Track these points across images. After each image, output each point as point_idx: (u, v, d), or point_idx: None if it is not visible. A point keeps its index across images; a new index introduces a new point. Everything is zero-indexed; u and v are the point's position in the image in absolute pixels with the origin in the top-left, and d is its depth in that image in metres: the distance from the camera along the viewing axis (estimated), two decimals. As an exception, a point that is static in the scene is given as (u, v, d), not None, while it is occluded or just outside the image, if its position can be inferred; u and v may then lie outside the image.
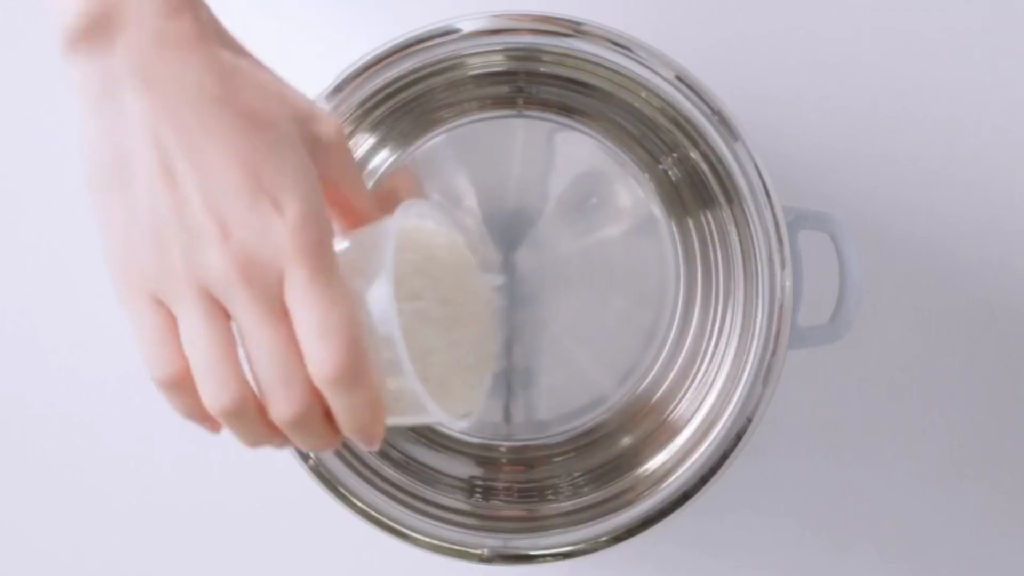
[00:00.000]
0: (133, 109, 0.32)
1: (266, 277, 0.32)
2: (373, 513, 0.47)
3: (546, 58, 0.50)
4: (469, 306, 0.40)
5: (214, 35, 0.34)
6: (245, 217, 0.32)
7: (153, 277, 0.32)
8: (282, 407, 0.33)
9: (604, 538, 0.48)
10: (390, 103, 0.51)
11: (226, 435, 0.34)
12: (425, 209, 0.39)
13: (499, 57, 0.50)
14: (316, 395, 0.33)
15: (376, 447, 0.35)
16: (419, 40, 0.48)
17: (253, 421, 0.33)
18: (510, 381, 0.54)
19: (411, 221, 0.39)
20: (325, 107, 0.47)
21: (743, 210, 0.48)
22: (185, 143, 0.32)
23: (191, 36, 0.33)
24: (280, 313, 0.32)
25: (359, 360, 0.33)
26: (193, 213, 0.32)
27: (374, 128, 0.52)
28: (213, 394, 0.32)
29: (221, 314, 0.32)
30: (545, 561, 0.48)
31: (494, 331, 0.42)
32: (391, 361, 0.34)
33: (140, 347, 0.33)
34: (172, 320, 0.33)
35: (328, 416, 0.34)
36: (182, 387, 0.33)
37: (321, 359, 0.32)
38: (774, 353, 0.48)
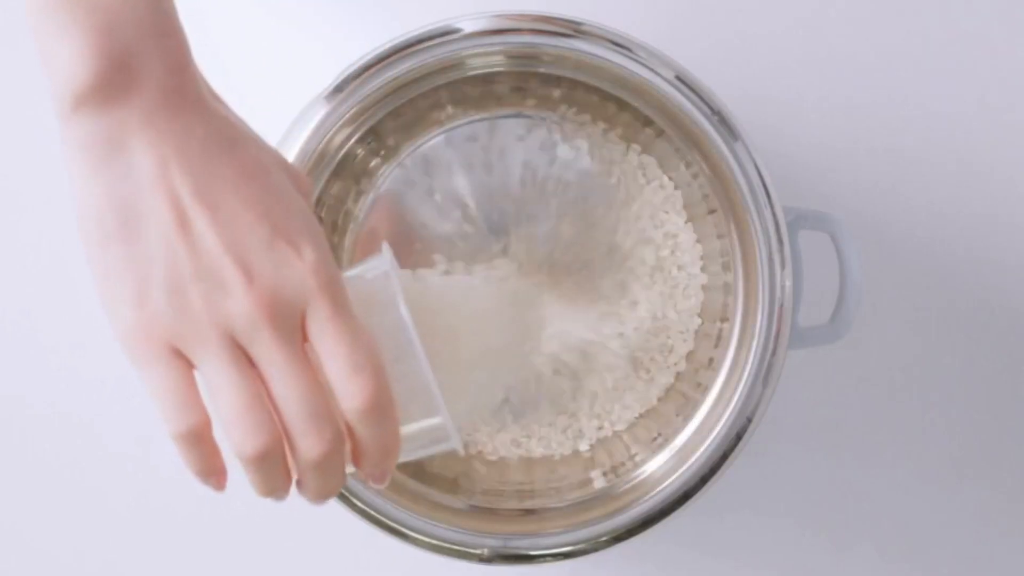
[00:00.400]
0: (143, 161, 0.33)
1: (291, 318, 0.33)
2: (373, 513, 0.47)
3: (546, 58, 0.50)
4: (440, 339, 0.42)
5: (207, 90, 0.35)
6: (266, 259, 0.33)
7: (171, 328, 0.32)
8: (313, 445, 0.33)
9: (604, 538, 0.48)
10: (390, 103, 0.51)
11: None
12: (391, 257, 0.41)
13: (499, 57, 0.50)
14: (342, 432, 0.34)
15: (386, 484, 0.36)
16: (419, 40, 0.48)
17: (278, 465, 0.34)
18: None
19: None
20: (325, 107, 0.48)
21: (743, 210, 0.48)
22: (199, 192, 0.33)
23: (192, 91, 0.34)
24: (303, 354, 0.33)
25: (387, 390, 0.34)
26: (213, 259, 0.32)
27: (374, 128, 0.52)
28: (244, 439, 0.32)
29: (245, 359, 0.33)
30: (545, 561, 0.48)
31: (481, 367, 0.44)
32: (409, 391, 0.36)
33: (158, 401, 0.33)
34: (190, 371, 0.33)
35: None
36: (202, 439, 0.33)
37: (355, 391, 0.33)
38: (774, 353, 0.48)
